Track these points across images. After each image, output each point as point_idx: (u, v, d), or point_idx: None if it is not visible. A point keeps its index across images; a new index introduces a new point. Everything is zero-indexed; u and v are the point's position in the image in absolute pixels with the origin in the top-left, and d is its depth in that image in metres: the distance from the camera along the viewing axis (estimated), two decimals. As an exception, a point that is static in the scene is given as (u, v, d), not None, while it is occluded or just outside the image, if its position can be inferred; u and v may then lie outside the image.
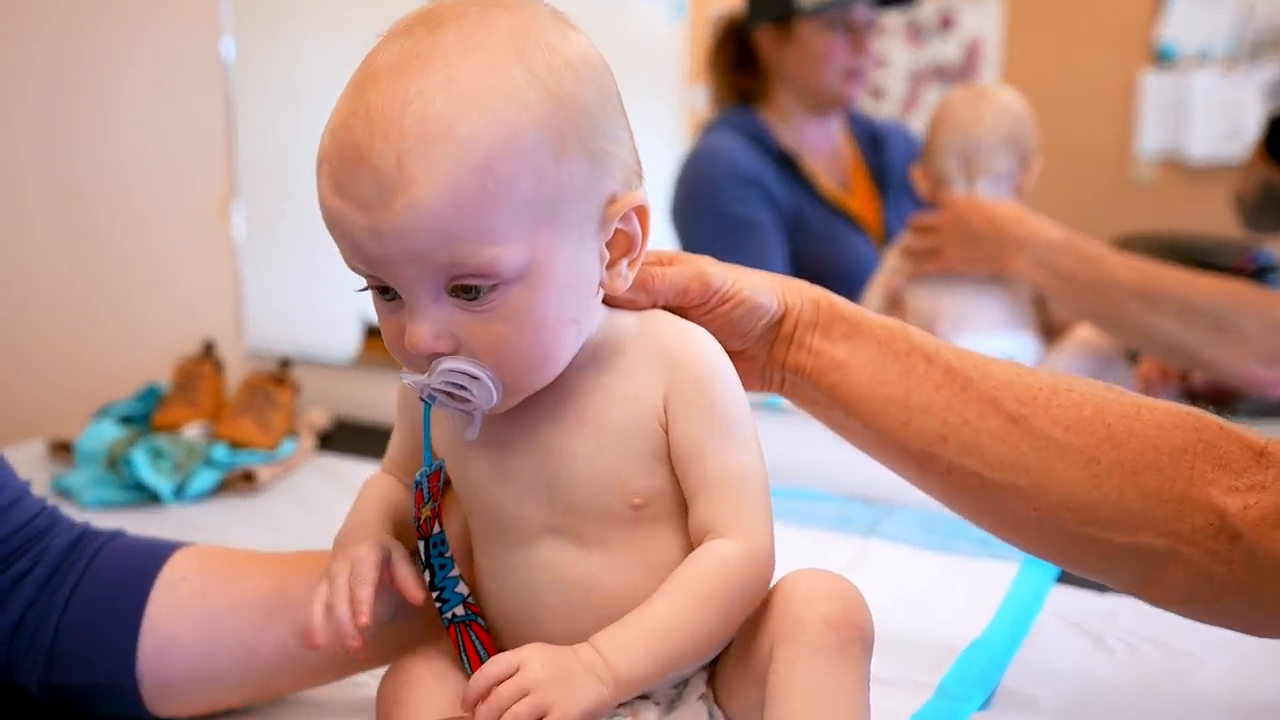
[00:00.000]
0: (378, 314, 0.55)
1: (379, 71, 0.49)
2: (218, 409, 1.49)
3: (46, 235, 1.56)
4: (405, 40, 0.49)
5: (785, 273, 0.68)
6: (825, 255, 1.70)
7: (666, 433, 0.56)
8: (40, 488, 0.76)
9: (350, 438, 1.54)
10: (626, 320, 0.58)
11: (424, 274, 0.49)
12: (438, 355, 0.51)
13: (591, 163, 0.51)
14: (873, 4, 1.70)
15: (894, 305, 1.47)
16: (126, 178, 1.66)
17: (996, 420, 0.61)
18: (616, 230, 0.54)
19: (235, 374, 1.65)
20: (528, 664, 0.50)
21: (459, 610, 0.61)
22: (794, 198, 1.71)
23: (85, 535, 0.73)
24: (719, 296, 0.63)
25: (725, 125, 1.79)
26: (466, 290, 0.49)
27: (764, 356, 0.67)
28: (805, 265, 1.68)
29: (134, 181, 1.67)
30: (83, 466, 1.30)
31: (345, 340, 1.94)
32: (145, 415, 1.47)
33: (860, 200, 1.81)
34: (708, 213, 1.74)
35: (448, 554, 0.61)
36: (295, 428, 1.49)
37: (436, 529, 0.61)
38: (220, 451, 1.34)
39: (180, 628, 0.68)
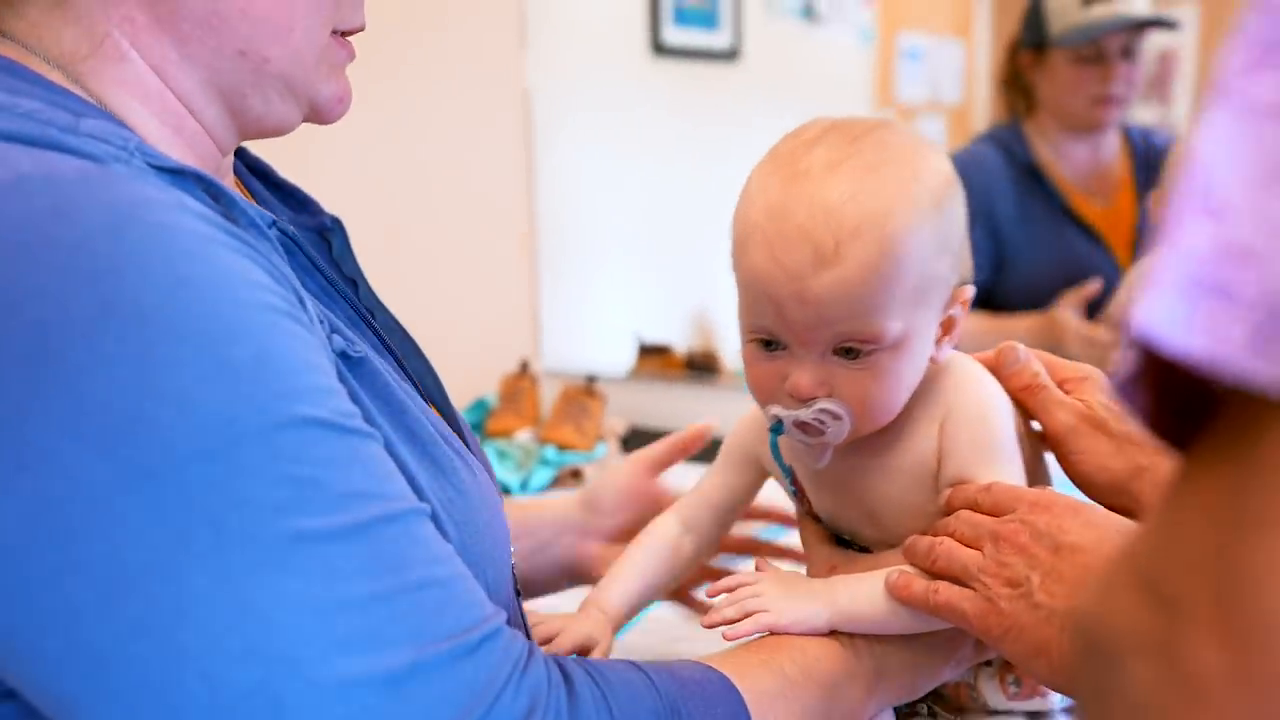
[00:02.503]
0: (753, 360, 0.67)
1: (812, 169, 0.59)
2: (537, 418, 1.77)
3: (382, 271, 1.91)
4: (825, 148, 0.60)
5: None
6: (1049, 259, 1.83)
7: (939, 464, 0.65)
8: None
9: (643, 441, 1.76)
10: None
11: (823, 336, 0.59)
12: (813, 398, 0.61)
13: (952, 260, 0.62)
14: (1128, 30, 1.73)
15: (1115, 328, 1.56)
16: (437, 218, 1.92)
17: None
18: (949, 315, 0.64)
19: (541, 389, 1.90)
20: (764, 579, 0.65)
21: None
22: (1025, 208, 1.85)
23: None
24: None
25: (986, 137, 1.95)
26: (848, 351, 0.60)
27: None
28: (1028, 264, 1.83)
29: (444, 219, 1.94)
30: (441, 466, 1.65)
31: (622, 357, 2.22)
32: (478, 424, 1.75)
33: (1117, 213, 1.90)
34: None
35: None
36: (602, 433, 1.75)
37: None
38: (550, 453, 1.60)
39: None
